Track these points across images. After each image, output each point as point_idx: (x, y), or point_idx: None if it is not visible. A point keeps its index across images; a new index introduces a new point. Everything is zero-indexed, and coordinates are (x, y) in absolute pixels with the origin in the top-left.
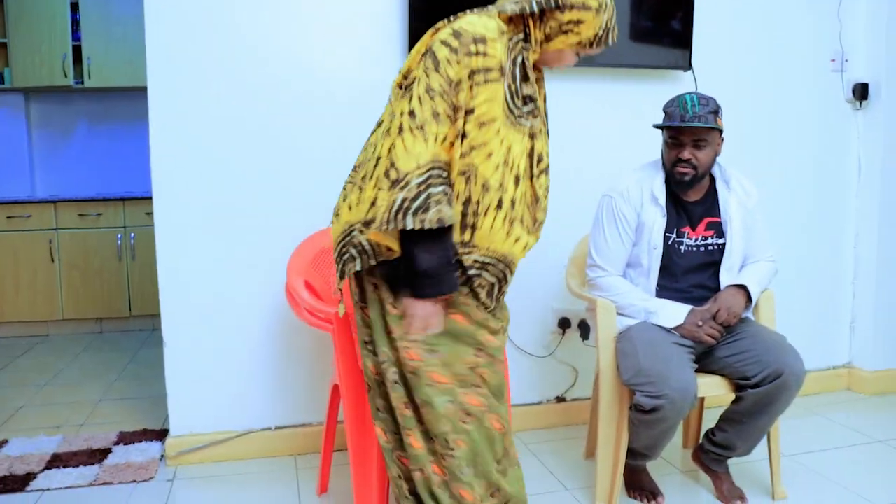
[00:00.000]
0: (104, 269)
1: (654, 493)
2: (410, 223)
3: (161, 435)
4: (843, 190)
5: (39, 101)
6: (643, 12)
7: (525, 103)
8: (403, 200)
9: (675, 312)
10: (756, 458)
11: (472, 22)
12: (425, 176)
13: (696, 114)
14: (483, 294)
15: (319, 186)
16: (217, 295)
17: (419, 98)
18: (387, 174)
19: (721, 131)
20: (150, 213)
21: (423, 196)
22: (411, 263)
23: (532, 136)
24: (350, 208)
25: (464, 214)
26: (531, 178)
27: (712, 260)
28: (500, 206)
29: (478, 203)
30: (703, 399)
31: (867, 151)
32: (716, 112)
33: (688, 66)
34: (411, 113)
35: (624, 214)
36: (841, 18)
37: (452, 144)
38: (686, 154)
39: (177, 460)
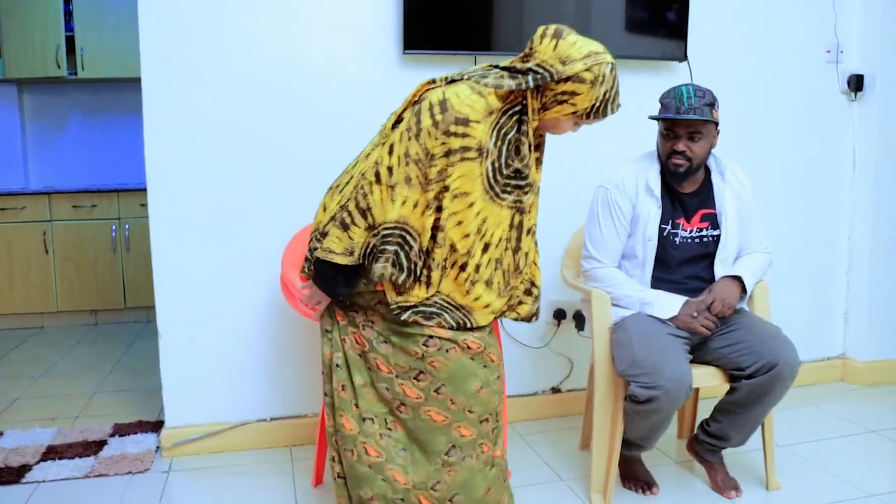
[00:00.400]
0: (98, 261)
1: (648, 483)
2: (321, 256)
3: (156, 426)
4: (838, 181)
5: (33, 93)
6: (638, 3)
7: (514, 177)
8: (366, 245)
9: (669, 303)
10: (750, 449)
11: (461, 96)
12: (385, 233)
13: (691, 106)
14: (441, 325)
15: (314, 184)
16: (212, 286)
17: (398, 158)
18: (360, 211)
19: (717, 124)
20: (144, 205)
21: (378, 248)
22: (328, 269)
23: (520, 211)
24: (325, 210)
25: (426, 266)
26: (514, 250)
27: (707, 251)
28: (463, 268)
29: (444, 259)
30: (697, 390)
31: (862, 143)
32: (712, 104)
33: (683, 57)
34: (389, 169)
35: (619, 205)
36: (836, 9)
37: (426, 208)
38: (681, 146)
39: (172, 452)
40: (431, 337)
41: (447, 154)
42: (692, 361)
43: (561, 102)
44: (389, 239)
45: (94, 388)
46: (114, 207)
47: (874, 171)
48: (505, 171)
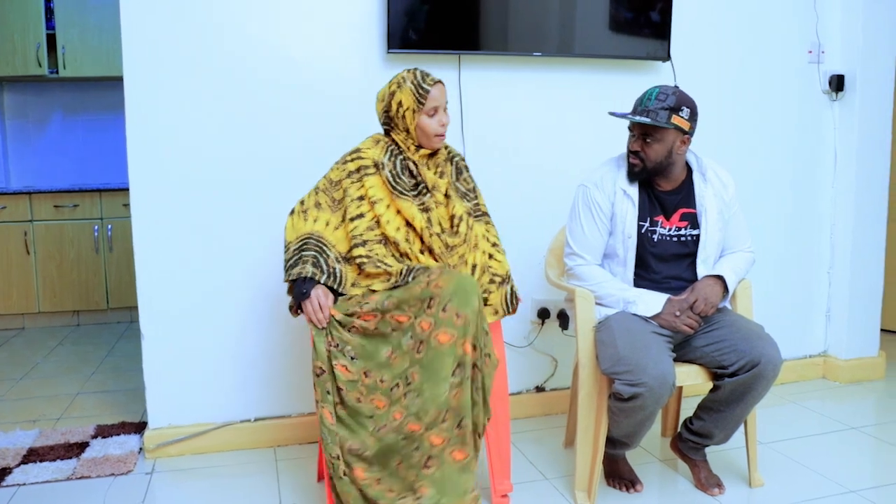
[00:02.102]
0: (81, 262)
1: (632, 481)
2: (285, 277)
3: (139, 428)
4: (820, 180)
5: (13, 91)
6: (622, 3)
7: (412, 188)
8: (286, 262)
9: (652, 302)
10: (733, 447)
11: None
12: (301, 243)
13: (646, 108)
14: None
15: (297, 183)
16: (195, 287)
17: (310, 192)
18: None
19: (681, 130)
20: (127, 205)
21: (295, 258)
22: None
23: (426, 209)
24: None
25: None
26: (430, 236)
27: (687, 251)
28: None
29: (396, 244)
30: (681, 388)
31: (843, 142)
32: (673, 109)
33: (666, 56)
34: (303, 202)
35: (598, 203)
36: (818, 10)
37: (341, 222)
38: (635, 146)
39: (155, 453)
40: (431, 272)
41: (349, 175)
42: (675, 360)
43: (403, 116)
44: (307, 246)
45: (76, 390)
46: (96, 207)
47: (855, 170)
48: (402, 177)
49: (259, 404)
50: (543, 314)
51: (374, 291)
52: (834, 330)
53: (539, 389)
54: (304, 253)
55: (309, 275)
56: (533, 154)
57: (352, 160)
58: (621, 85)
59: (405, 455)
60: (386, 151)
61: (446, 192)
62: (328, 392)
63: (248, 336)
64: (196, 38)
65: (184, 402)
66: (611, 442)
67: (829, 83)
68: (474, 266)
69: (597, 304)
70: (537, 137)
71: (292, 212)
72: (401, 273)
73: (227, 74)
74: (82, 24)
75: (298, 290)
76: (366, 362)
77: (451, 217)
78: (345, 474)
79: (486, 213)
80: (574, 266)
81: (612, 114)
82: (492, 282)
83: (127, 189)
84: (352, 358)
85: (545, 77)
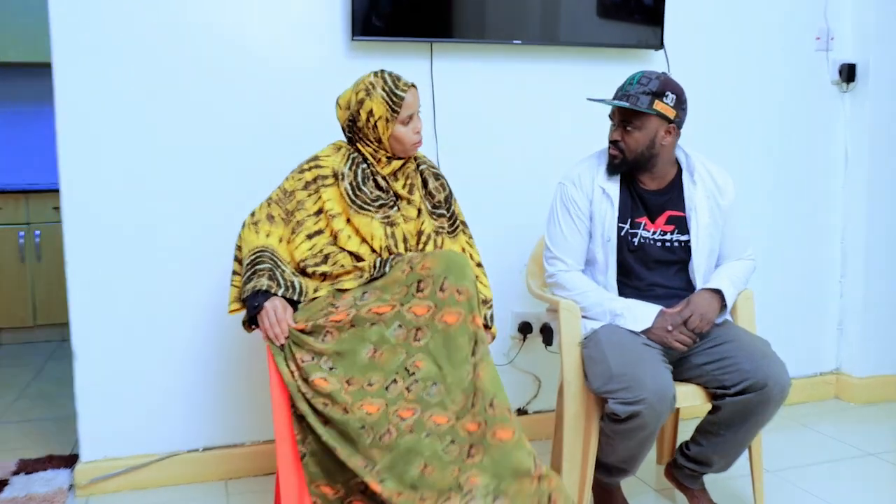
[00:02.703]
0: (4, 272)
1: None
2: (245, 294)
3: (70, 461)
4: (829, 180)
5: None
6: None
7: (374, 200)
8: (241, 277)
9: (642, 314)
10: (736, 475)
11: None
12: (254, 257)
13: (626, 93)
14: None
15: (252, 184)
16: (136, 300)
17: (262, 204)
18: (237, 248)
19: (665, 117)
20: (57, 208)
21: (248, 272)
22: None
23: (392, 224)
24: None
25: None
26: (398, 254)
27: (675, 258)
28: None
29: (360, 258)
30: (678, 410)
31: (854, 138)
32: (656, 94)
33: (659, 44)
34: (253, 214)
35: (576, 202)
36: None
37: (293, 234)
38: (615, 135)
39: (88, 490)
40: (413, 256)
41: (305, 186)
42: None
43: (375, 126)
44: (260, 259)
45: None
46: (22, 211)
47: (868, 169)
48: (363, 189)
49: (209, 432)
50: (525, 328)
51: (343, 291)
52: (847, 345)
53: (521, 412)
54: (257, 267)
55: (264, 287)
56: (513, 152)
57: (308, 169)
58: (610, 75)
59: (434, 455)
60: (347, 160)
61: (418, 206)
62: (301, 415)
63: (196, 355)
64: (135, 20)
65: (122, 430)
66: (606, 469)
67: (839, 73)
68: None
69: (583, 316)
70: (518, 134)
71: (244, 225)
72: (374, 265)
73: (171, 60)
74: (4, 3)
75: (251, 304)
76: (346, 370)
77: (419, 234)
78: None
79: (464, 223)
80: (555, 273)
81: (590, 99)
82: (483, 302)
83: (57, 190)
84: (330, 368)
85: (526, 67)
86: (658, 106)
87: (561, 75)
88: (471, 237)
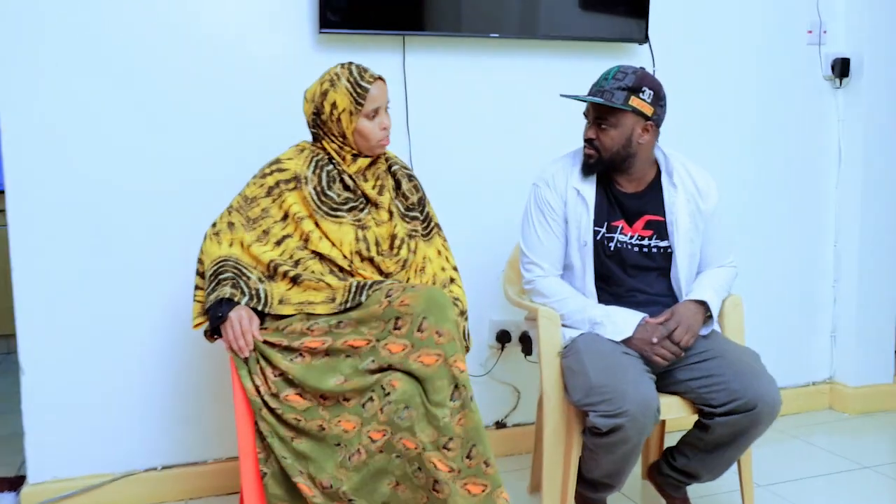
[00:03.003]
0: None
1: None
2: (208, 304)
3: (15, 484)
4: (822, 179)
5: None
6: None
7: (342, 203)
8: (202, 289)
9: (622, 322)
10: (725, 489)
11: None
12: (215, 268)
13: (601, 88)
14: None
15: (211, 184)
16: (87, 309)
17: (227, 209)
18: (199, 262)
19: (642, 114)
20: (3, 210)
21: (211, 284)
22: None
23: (363, 227)
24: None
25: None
26: (371, 258)
27: (654, 265)
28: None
29: (333, 261)
30: (663, 421)
31: (848, 136)
32: (632, 90)
33: (644, 38)
34: (214, 224)
35: (550, 204)
36: None
37: (256, 241)
38: (590, 133)
39: None
40: (392, 286)
41: (268, 192)
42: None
43: (339, 119)
44: (223, 269)
45: None
46: None
47: (862, 168)
48: (329, 193)
49: (167, 449)
50: (503, 337)
51: (311, 316)
52: (841, 353)
53: (499, 425)
54: (220, 276)
55: (227, 296)
56: (490, 151)
57: (270, 174)
58: (592, 71)
59: (405, 476)
60: (310, 162)
61: (390, 208)
62: (263, 434)
63: (154, 368)
64: (86, 11)
65: (73, 449)
66: (591, 485)
67: (832, 68)
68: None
69: (562, 325)
70: (495, 132)
71: (205, 237)
72: (348, 290)
73: (127, 56)
74: None
75: (214, 314)
76: (314, 390)
77: (392, 237)
78: None
79: (438, 226)
80: (533, 279)
81: (563, 96)
82: (461, 313)
83: (2, 192)
84: (298, 385)
85: (504, 63)
86: (634, 102)
87: (540, 71)
88: (445, 240)
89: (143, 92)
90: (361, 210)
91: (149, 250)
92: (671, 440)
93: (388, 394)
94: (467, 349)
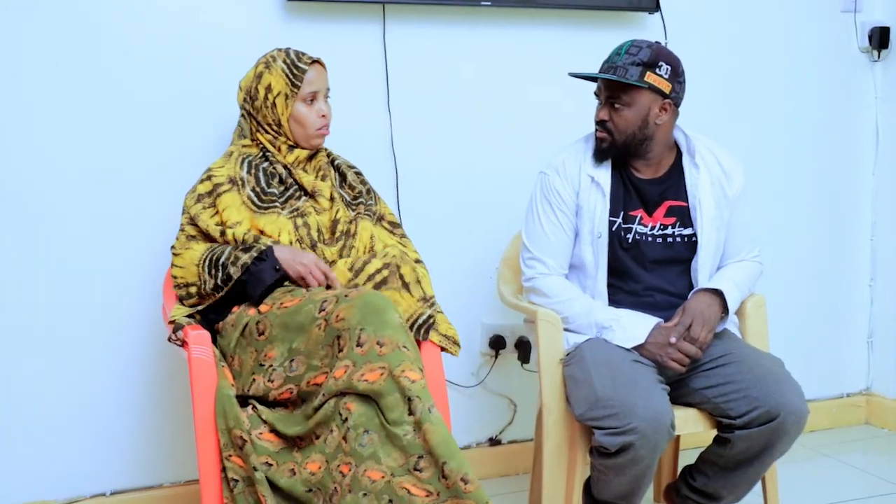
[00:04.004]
0: None
1: None
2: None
3: None
4: (857, 165)
5: None
6: None
7: (281, 195)
8: (194, 292)
9: (634, 328)
10: None
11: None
12: (209, 256)
13: (613, 64)
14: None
15: (166, 170)
16: (25, 312)
17: (179, 230)
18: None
19: (660, 91)
20: None
21: (223, 267)
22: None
23: (302, 215)
24: None
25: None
26: (313, 245)
27: (676, 256)
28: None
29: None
30: (678, 437)
31: (887, 115)
32: (648, 65)
33: (655, 6)
34: (173, 247)
35: (559, 193)
36: None
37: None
38: (602, 114)
39: None
40: (325, 298)
41: (199, 200)
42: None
43: (273, 104)
44: (217, 254)
45: None
46: None
47: None
48: (270, 191)
49: (118, 472)
50: (497, 343)
51: (263, 365)
52: (879, 360)
53: (493, 442)
54: (223, 257)
55: (263, 247)
56: (482, 136)
57: (201, 182)
58: (597, 45)
59: None
60: (242, 164)
61: (331, 195)
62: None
63: (101, 381)
64: None
65: (9, 473)
66: None
67: (869, 38)
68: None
69: (565, 329)
70: (488, 115)
71: (172, 264)
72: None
73: (64, 29)
74: None
75: (269, 270)
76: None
77: (334, 223)
78: None
79: (394, 224)
80: (534, 277)
81: (572, 74)
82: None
83: None
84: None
85: (498, 34)
86: (650, 78)
87: (538, 44)
88: (404, 236)
89: (86, 71)
90: (299, 199)
91: (96, 248)
92: (688, 458)
93: (346, 419)
94: (427, 300)
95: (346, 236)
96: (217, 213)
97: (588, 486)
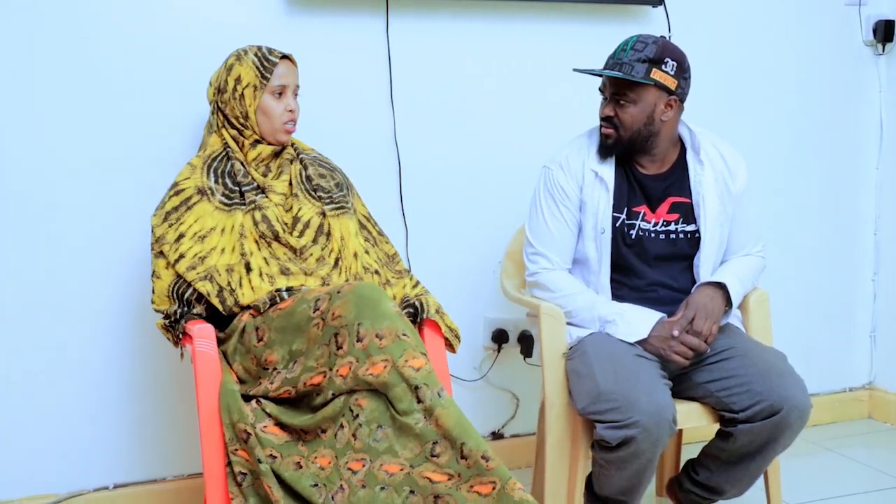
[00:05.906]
0: None
1: None
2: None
3: None
4: (860, 159)
5: None
6: None
7: (243, 195)
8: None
9: (637, 321)
10: None
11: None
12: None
13: (618, 61)
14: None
15: (164, 164)
16: (26, 308)
17: (152, 254)
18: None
19: (665, 88)
20: None
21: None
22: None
23: (259, 208)
24: None
25: (223, 300)
26: (276, 236)
27: (679, 252)
28: (249, 269)
29: (229, 283)
30: (680, 432)
31: (891, 109)
32: (654, 62)
33: (658, 0)
34: (154, 272)
35: (563, 188)
36: None
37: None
38: (607, 110)
39: None
40: (318, 296)
41: (165, 219)
42: (672, 395)
43: (241, 96)
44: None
45: None
46: None
47: None
48: (234, 189)
49: (121, 466)
50: (500, 337)
51: (265, 370)
52: (882, 355)
53: (496, 436)
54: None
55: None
56: (485, 130)
57: (169, 198)
58: (601, 39)
59: None
60: (207, 172)
61: (289, 190)
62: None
63: (102, 371)
64: None
65: (9, 467)
66: (602, 502)
67: (874, 32)
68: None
69: (568, 323)
70: (491, 108)
71: (152, 301)
72: (265, 303)
73: (70, 25)
74: None
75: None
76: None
77: (295, 220)
78: None
79: (368, 218)
80: (537, 272)
81: (577, 70)
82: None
83: None
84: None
85: (501, 28)
86: (656, 75)
87: (542, 37)
88: (381, 233)
89: (87, 71)
90: (256, 193)
91: (96, 240)
92: (691, 452)
93: (357, 416)
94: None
95: (318, 234)
96: (182, 224)
97: (590, 482)
